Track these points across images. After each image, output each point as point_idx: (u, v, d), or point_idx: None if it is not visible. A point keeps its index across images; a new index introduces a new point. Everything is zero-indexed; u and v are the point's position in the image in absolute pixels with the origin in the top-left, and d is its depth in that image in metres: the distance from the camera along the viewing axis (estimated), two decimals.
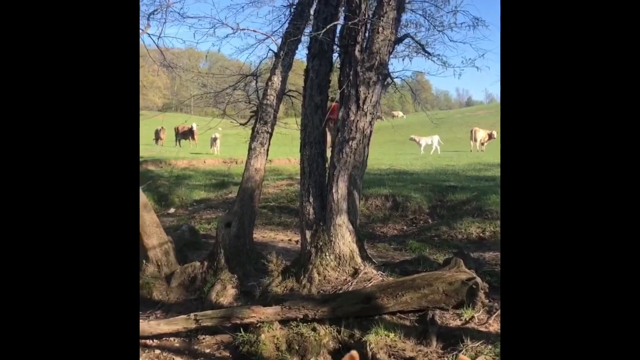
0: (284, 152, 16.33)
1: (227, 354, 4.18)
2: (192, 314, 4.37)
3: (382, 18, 4.55)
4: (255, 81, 6.32)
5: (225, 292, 4.98)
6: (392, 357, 3.68)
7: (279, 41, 5.78)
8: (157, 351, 4.26)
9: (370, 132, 4.85)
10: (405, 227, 7.81)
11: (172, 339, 4.41)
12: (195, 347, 4.28)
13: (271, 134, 5.85)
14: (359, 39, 4.70)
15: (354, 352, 1.34)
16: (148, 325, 4.46)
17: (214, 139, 21.39)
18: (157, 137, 27.88)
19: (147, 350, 4.26)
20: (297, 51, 5.86)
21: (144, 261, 5.70)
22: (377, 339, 3.80)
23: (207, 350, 4.22)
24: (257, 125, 5.79)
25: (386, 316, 4.07)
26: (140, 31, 5.86)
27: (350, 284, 4.56)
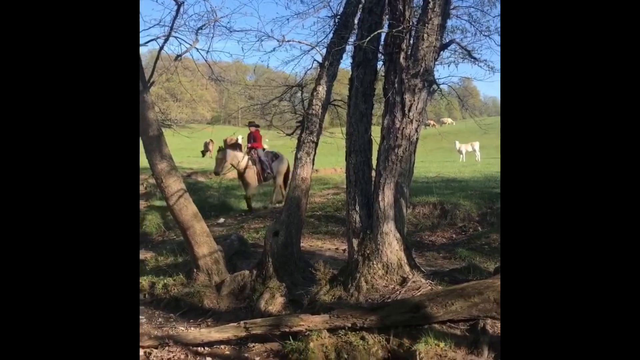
0: (330, 161, 16.40)
1: None
2: (241, 322, 4.43)
3: (426, 25, 4.51)
4: (300, 92, 6.39)
5: (274, 300, 5.04)
6: None
7: (324, 51, 5.84)
8: (209, 359, 4.34)
9: (417, 139, 4.81)
10: (454, 235, 7.70)
11: (222, 346, 4.48)
12: (245, 354, 4.33)
13: (317, 144, 5.89)
14: (404, 46, 4.67)
15: None
16: (199, 332, 4.56)
17: None
18: (206, 149, 28.53)
19: (198, 358, 4.34)
20: (341, 60, 5.90)
21: (195, 270, 5.84)
22: (427, 349, 3.74)
23: (257, 358, 4.26)
24: (303, 135, 5.84)
25: (436, 325, 4.00)
26: (189, 46, 6.05)
27: (398, 292, 4.51)
